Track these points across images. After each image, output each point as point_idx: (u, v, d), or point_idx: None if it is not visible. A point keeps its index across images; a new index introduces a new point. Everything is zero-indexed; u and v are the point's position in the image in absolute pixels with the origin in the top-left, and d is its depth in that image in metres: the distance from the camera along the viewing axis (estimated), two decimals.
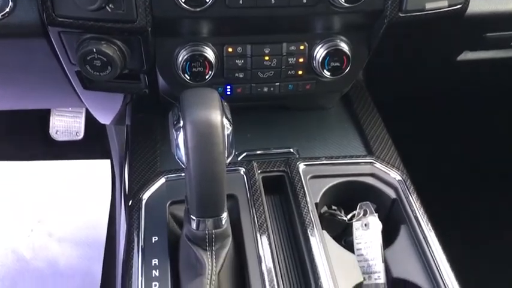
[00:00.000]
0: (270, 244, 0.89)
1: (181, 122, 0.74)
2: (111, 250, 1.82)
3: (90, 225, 1.96)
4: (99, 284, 1.73)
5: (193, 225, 0.80)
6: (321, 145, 1.10)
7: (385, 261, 0.92)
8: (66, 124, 2.09)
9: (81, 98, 1.21)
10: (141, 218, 0.92)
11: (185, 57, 0.96)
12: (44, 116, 2.15)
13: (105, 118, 1.42)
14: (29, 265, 1.84)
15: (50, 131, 2.11)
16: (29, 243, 1.91)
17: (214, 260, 0.82)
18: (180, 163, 0.78)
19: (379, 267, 0.92)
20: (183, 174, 0.90)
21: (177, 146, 0.76)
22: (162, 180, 0.99)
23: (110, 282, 1.68)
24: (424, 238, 0.93)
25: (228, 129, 0.77)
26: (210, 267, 0.82)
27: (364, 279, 0.91)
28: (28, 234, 1.94)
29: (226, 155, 0.77)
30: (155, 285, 0.82)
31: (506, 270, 1.66)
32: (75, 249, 1.90)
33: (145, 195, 0.96)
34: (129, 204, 0.96)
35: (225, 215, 0.81)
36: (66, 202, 2.05)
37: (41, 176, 2.16)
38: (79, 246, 1.91)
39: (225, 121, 0.76)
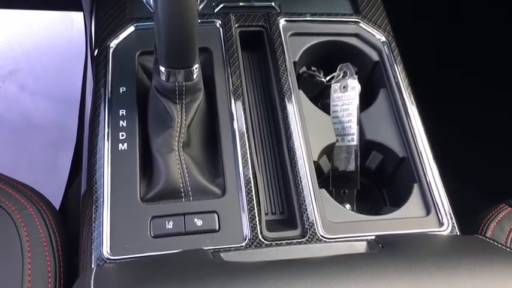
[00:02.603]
0: (243, 101, 0.86)
1: None
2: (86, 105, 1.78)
3: (65, 80, 1.90)
4: (75, 140, 1.72)
5: (163, 76, 0.76)
6: (305, 0, 1.02)
7: (360, 124, 0.91)
8: None
9: None
10: (108, 67, 0.87)
11: None
12: None
13: None
14: (3, 118, 1.81)
15: None
16: (0, 95, 1.86)
17: (184, 113, 0.80)
18: (148, 7, 0.70)
19: (353, 130, 0.91)
20: None
21: None
22: (131, 28, 0.91)
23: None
24: (402, 103, 0.91)
25: None
26: (179, 120, 0.79)
27: (337, 140, 0.90)
28: None
29: (198, 1, 0.69)
30: (122, 135, 0.80)
31: (478, 141, 1.69)
32: (50, 103, 1.86)
33: (113, 44, 0.89)
34: (96, 53, 0.90)
35: (196, 67, 0.76)
36: (38, 55, 1.96)
37: (12, 26, 2.04)
38: (54, 101, 1.86)
39: None
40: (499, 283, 0.51)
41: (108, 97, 0.84)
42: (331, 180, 0.91)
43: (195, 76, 0.77)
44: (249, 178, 0.78)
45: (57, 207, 1.06)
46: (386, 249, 0.63)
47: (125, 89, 0.85)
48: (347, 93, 0.93)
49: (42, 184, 1.03)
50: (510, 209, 0.95)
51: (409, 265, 0.53)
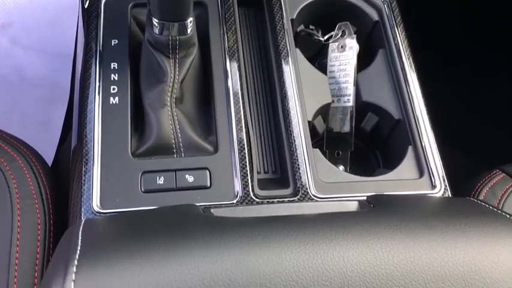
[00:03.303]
0: (238, 59, 0.84)
1: None
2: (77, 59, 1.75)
3: (59, 34, 1.85)
4: (68, 96, 1.69)
5: (156, 30, 0.74)
6: None
7: (356, 85, 0.89)
8: None
9: None
10: (100, 20, 0.84)
11: None
12: None
13: None
14: None
15: None
16: None
17: (177, 68, 0.78)
18: None
19: (349, 91, 0.89)
20: None
21: None
22: None
23: None
24: (400, 65, 0.89)
25: None
26: (172, 75, 0.77)
27: (333, 101, 0.89)
28: None
29: None
30: (114, 89, 0.78)
31: (474, 106, 1.67)
32: (43, 58, 1.82)
33: None
34: (87, 4, 0.87)
35: (190, 21, 0.74)
36: (31, 8, 1.91)
37: None
38: (47, 55, 1.82)
39: None
40: (489, 243, 0.51)
41: (100, 50, 0.81)
42: (326, 141, 0.90)
43: (189, 30, 0.75)
44: (242, 136, 0.77)
45: (50, 163, 1.05)
46: (377, 209, 0.63)
47: (117, 41, 0.82)
48: (345, 53, 0.91)
49: (35, 140, 1.02)
50: (503, 175, 0.95)
51: (399, 224, 0.52)
